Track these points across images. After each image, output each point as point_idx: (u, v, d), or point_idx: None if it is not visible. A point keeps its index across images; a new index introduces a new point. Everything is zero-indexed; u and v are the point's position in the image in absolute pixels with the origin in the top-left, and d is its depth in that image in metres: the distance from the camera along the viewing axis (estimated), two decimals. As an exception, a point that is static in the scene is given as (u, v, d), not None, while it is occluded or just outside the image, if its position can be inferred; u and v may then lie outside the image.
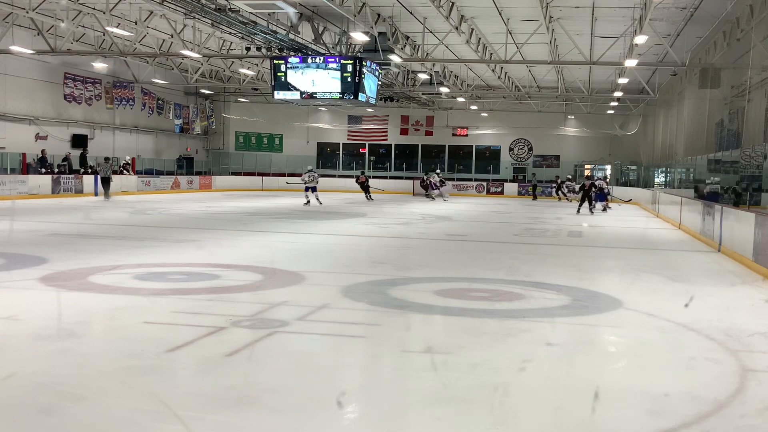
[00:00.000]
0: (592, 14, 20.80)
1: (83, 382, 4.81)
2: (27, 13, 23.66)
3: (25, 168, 27.95)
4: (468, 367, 5.39)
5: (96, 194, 28.91)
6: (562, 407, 4.62)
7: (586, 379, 5.20)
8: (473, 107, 43.11)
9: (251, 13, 19.78)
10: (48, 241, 12.92)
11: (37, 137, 30.35)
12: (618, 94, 34.46)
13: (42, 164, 28.67)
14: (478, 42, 25.34)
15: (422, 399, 4.68)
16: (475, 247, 14.64)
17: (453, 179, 41.01)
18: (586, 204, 26.08)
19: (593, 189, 26.16)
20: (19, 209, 20.21)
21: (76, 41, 28.00)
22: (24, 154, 28.15)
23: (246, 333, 6.25)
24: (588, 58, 23.89)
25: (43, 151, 29.24)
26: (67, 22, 24.83)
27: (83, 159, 31.69)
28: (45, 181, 27.62)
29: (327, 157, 46.27)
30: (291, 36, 21.93)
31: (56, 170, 29.31)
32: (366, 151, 46.00)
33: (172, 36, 26.17)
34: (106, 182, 27.71)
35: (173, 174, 37.41)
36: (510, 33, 23.19)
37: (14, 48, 25.77)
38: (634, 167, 41.82)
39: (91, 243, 12.90)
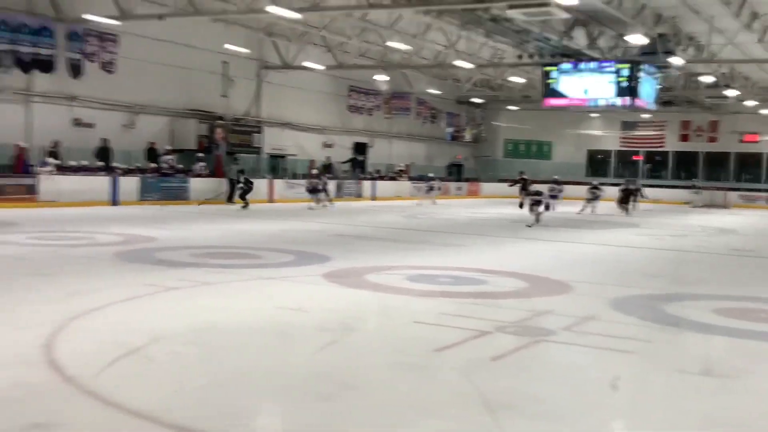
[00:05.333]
0: None
1: (357, 373, 5.15)
2: (319, 31, 25.95)
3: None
4: (750, 394, 4.91)
5: (362, 198, 30.70)
6: None
7: None
8: (764, 111, 39.11)
9: (524, 21, 19.81)
10: (331, 240, 14.02)
11: (324, 145, 33.14)
12: None
13: (326, 170, 31.20)
14: (774, 39, 22.97)
15: (696, 423, 4.36)
16: (764, 264, 13.27)
17: (738, 189, 37.50)
18: None
19: None
20: (305, 211, 22.16)
21: (360, 56, 30.06)
22: (312, 161, 30.85)
23: (511, 339, 6.27)
24: None
25: (328, 158, 31.85)
26: (353, 39, 26.81)
27: (360, 165, 34.04)
28: (330, 186, 29.97)
29: (597, 164, 44.78)
30: (564, 42, 21.59)
31: (339, 176, 31.72)
32: (640, 158, 43.75)
33: (446, 47, 27.08)
34: (238, 185, 24.11)
35: (443, 180, 38.60)
36: (813, 27, 20.74)
37: (308, 64, 28.42)
38: None
39: (367, 244, 13.77)
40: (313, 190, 23.71)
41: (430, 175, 33.04)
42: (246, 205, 22.27)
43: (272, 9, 19.71)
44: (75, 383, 4.62)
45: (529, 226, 17.83)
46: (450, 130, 42.04)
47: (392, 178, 34.97)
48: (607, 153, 44.74)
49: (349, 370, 5.21)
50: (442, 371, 5.31)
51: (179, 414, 4.18)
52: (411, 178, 35.67)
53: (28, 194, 19.39)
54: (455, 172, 41.77)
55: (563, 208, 24.43)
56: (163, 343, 5.70)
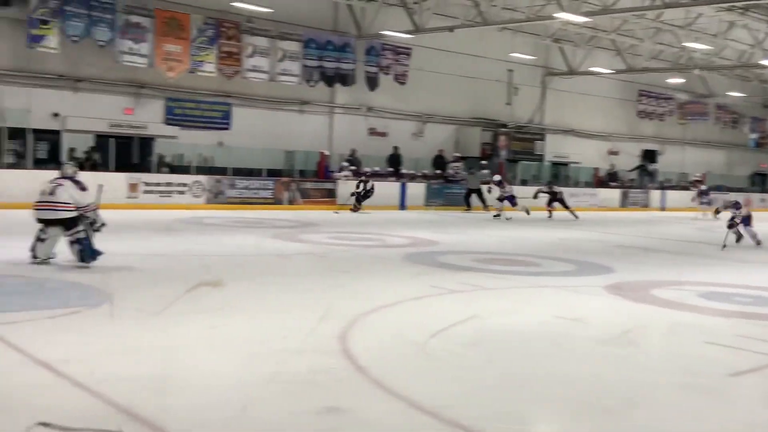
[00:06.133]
0: None
1: (641, 390, 4.91)
2: (608, 35, 25.16)
3: (597, 181, 29.68)
4: None
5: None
6: None
7: None
8: None
9: None
10: (613, 251, 13.51)
11: (609, 152, 32.00)
12: None
13: (612, 178, 30.10)
14: None
15: None
16: None
17: None
18: None
19: None
20: (588, 220, 21.56)
21: (653, 59, 28.58)
22: (596, 169, 29.94)
23: (822, 370, 5.56)
24: None
25: (612, 165, 30.71)
26: (646, 41, 25.58)
27: (649, 173, 32.27)
28: (614, 194, 28.92)
29: None
30: None
31: (625, 184, 30.43)
32: None
33: (752, 46, 24.74)
34: (477, 194, 22.90)
35: (743, 191, 35.23)
36: None
37: (595, 69, 27.67)
38: None
39: (654, 257, 13.04)
40: (501, 198, 20.42)
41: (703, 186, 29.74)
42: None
43: (561, 15, 19.51)
44: (365, 373, 4.98)
45: None
46: (754, 136, 38.18)
47: (684, 188, 32.64)
48: None
49: (632, 386, 4.99)
50: (740, 398, 4.87)
51: (459, 412, 4.30)
52: (701, 192, 33.05)
53: (329, 198, 21.24)
54: (759, 182, 37.90)
55: None
56: (445, 342, 5.92)
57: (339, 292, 7.95)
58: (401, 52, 24.31)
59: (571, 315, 7.25)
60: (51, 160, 18.25)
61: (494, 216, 20.14)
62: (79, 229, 8.45)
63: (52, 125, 18.42)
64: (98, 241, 8.85)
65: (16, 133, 17.55)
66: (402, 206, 22.54)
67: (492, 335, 6.30)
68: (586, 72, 28.16)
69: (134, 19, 19.08)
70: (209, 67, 20.51)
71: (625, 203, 28.98)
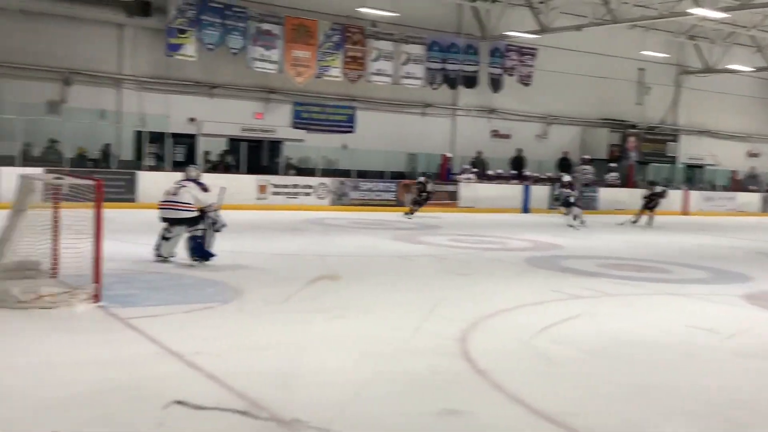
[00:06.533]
0: None
1: (780, 407, 4.63)
2: (748, 30, 23.79)
3: (735, 185, 28.08)
4: None
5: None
6: None
7: None
8: None
9: None
10: (755, 259, 12.76)
11: (749, 154, 30.22)
12: None
13: (752, 181, 28.39)
14: None
15: None
16: None
17: None
18: None
19: None
20: (724, 226, 20.45)
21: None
22: (734, 171, 28.33)
23: None
24: None
25: (753, 168, 28.96)
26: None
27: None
28: (753, 198, 27.28)
29: None
30: None
31: (766, 188, 28.62)
32: None
33: None
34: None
35: None
36: None
37: (733, 66, 26.22)
38: None
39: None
40: (565, 202, 18.30)
41: None
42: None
43: (697, 11, 18.64)
44: (485, 376, 4.95)
45: None
46: None
47: None
48: None
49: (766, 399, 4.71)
50: None
51: (580, 421, 4.20)
52: None
53: (450, 200, 21.22)
54: None
55: None
56: (567, 348, 5.79)
57: (458, 295, 7.93)
58: (526, 52, 23.96)
59: (704, 325, 6.90)
60: (187, 163, 19.20)
61: (632, 222, 18.99)
62: (199, 227, 8.80)
63: (189, 129, 19.42)
64: (227, 241, 9.25)
65: (156, 138, 18.63)
66: (525, 209, 22.20)
67: (616, 343, 6.10)
68: (724, 70, 26.73)
69: (265, 26, 19.82)
70: (335, 72, 21.01)
71: (766, 208, 27.25)
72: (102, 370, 4.73)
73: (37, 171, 13.40)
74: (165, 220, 8.98)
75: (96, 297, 6.50)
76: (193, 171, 9.36)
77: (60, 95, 18.14)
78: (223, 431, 3.91)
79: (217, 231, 9.12)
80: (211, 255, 8.88)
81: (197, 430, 3.91)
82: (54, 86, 18.07)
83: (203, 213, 8.88)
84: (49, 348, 5.26)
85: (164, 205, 8.98)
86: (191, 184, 8.99)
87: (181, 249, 9.05)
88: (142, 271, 8.53)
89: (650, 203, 19.06)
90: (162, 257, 9.02)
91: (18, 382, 4.47)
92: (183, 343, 5.35)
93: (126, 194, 16.82)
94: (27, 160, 16.22)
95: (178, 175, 9.59)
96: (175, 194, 8.90)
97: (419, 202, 18.58)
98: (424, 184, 18.62)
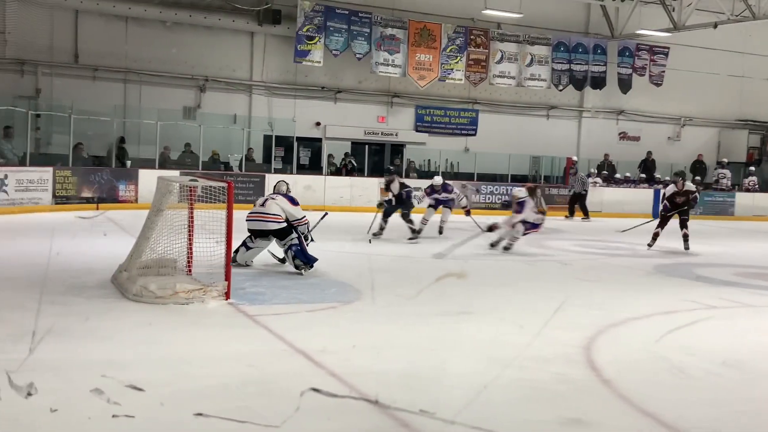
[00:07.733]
0: None
1: None
2: None
3: None
4: None
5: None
6: None
7: None
8: None
9: None
10: None
11: None
12: None
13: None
14: None
15: None
16: None
17: None
18: None
19: None
20: None
21: None
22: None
23: None
24: None
25: None
26: None
27: None
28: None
29: None
30: None
31: None
32: None
33: None
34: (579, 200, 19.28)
35: None
36: None
37: None
38: None
39: None
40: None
41: None
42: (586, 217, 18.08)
43: None
44: (611, 386, 4.79)
45: None
46: None
47: None
48: None
49: None
50: None
51: (715, 437, 3.99)
52: None
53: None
54: None
55: None
56: (699, 361, 5.51)
57: (584, 301, 7.71)
58: (658, 51, 23.04)
59: None
60: (312, 166, 19.74)
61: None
62: (292, 236, 8.70)
63: (314, 133, 19.93)
64: (350, 243, 9.35)
65: (283, 141, 19.23)
66: (655, 214, 21.26)
67: (755, 356, 5.75)
68: None
69: (389, 31, 20.04)
70: (457, 75, 20.95)
71: None
72: (234, 365, 4.93)
73: (173, 173, 14.24)
74: (251, 231, 8.96)
75: (227, 294, 6.79)
76: (282, 185, 9.35)
77: (195, 101, 19.10)
78: (352, 422, 3.98)
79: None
80: (315, 259, 8.77)
81: (330, 417, 4.01)
82: (190, 92, 19.04)
83: (292, 227, 8.76)
84: (184, 342, 5.55)
85: (252, 216, 8.95)
86: (280, 197, 8.96)
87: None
88: (269, 270, 8.82)
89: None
90: (236, 263, 8.68)
91: (157, 373, 4.71)
92: (308, 341, 5.49)
93: (255, 196, 17.43)
94: (165, 163, 17.16)
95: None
96: (263, 206, 8.89)
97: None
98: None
